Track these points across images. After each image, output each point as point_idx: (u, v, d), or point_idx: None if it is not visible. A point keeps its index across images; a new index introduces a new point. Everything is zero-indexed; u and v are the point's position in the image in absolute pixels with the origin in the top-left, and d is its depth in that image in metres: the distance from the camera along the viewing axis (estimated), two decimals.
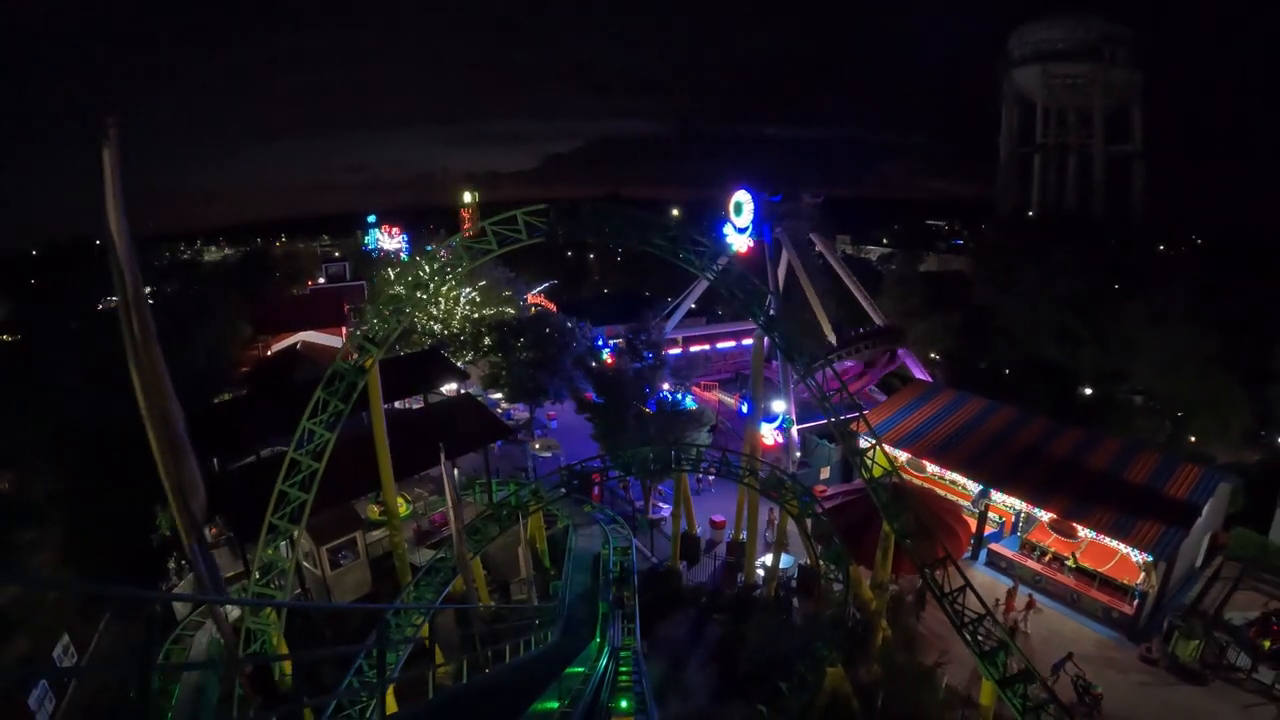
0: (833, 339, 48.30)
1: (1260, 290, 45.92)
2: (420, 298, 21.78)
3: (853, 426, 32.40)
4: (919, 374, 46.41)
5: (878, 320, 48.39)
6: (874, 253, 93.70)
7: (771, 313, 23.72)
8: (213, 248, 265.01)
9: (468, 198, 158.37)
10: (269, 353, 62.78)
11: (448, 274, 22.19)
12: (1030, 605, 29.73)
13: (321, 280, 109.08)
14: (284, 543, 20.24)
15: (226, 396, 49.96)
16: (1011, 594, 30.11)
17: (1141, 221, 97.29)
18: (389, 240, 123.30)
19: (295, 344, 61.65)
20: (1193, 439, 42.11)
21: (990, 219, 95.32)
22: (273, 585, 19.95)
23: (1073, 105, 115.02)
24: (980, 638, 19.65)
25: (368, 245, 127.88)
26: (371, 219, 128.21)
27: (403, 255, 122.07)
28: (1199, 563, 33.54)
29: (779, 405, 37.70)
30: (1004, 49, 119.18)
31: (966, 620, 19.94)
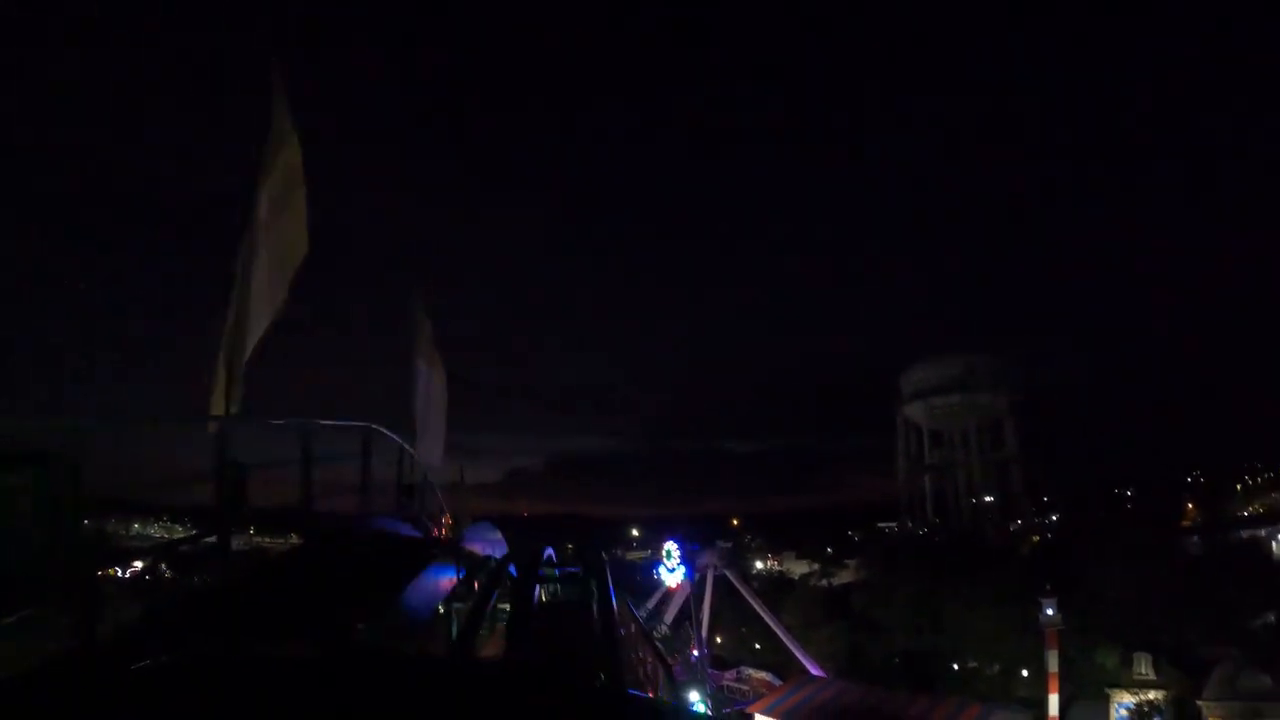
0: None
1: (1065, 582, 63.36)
2: None
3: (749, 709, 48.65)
4: (812, 669, 62.29)
5: (778, 630, 65.13)
6: (797, 571, 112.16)
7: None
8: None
9: None
10: None
11: None
12: None
13: None
14: None
15: None
16: None
17: (1018, 518, 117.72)
18: None
19: None
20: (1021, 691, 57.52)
21: (869, 543, 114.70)
22: None
23: (954, 428, 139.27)
24: None
25: None
26: None
27: None
28: None
29: (694, 694, 53.02)
30: (896, 389, 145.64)
31: None
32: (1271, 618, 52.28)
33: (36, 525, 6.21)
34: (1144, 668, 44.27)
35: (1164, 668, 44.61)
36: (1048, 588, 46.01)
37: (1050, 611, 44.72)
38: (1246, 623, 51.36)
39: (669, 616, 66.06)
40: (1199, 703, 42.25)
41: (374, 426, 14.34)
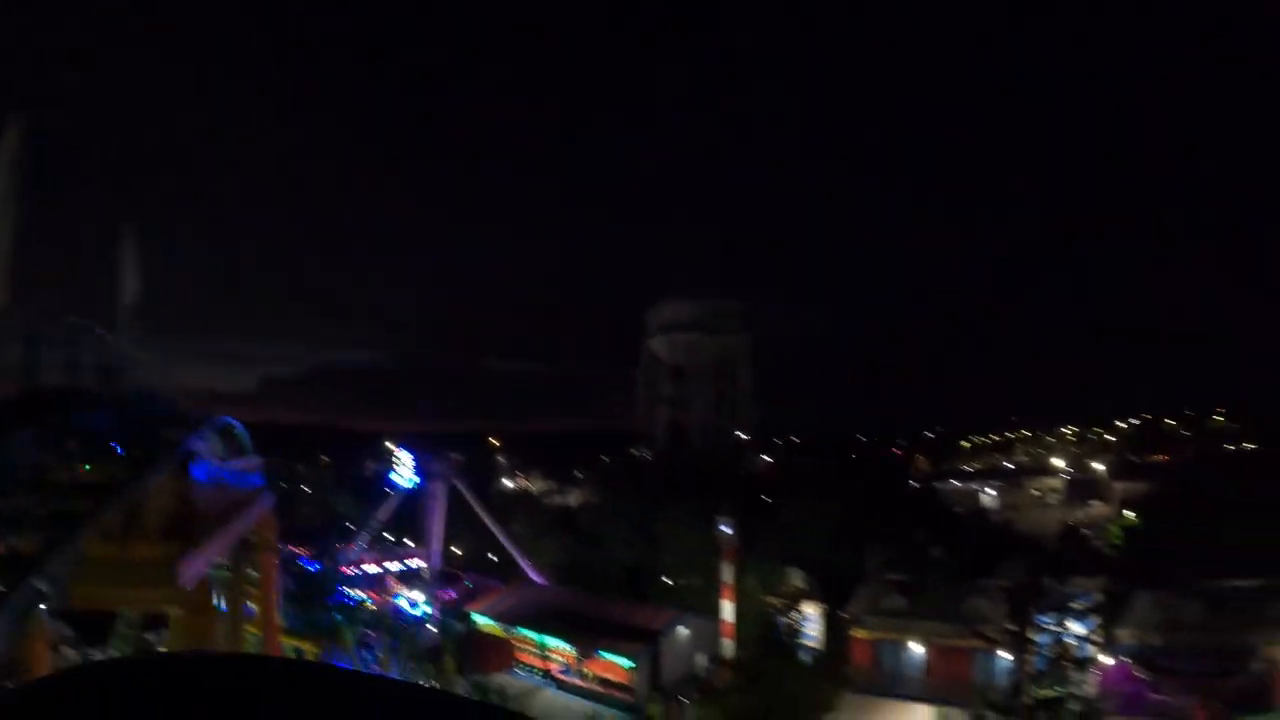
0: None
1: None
2: None
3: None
4: (534, 576, 67.78)
5: (503, 539, 70.08)
6: (539, 486, 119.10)
7: None
8: None
9: None
10: None
11: None
12: None
13: None
14: None
15: None
16: None
17: (742, 450, 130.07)
18: None
19: None
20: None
21: (598, 467, 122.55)
22: None
23: (693, 365, 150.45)
24: None
25: None
26: None
27: None
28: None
29: (418, 595, 57.34)
30: (642, 322, 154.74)
31: None
32: (935, 552, 62.96)
33: None
34: (797, 581, 53.06)
35: (814, 584, 53.67)
36: (727, 509, 53.04)
37: (727, 530, 51.80)
38: (921, 554, 61.62)
39: (432, 542, 68.23)
40: (841, 614, 51.54)
41: (77, 319, 19.32)
